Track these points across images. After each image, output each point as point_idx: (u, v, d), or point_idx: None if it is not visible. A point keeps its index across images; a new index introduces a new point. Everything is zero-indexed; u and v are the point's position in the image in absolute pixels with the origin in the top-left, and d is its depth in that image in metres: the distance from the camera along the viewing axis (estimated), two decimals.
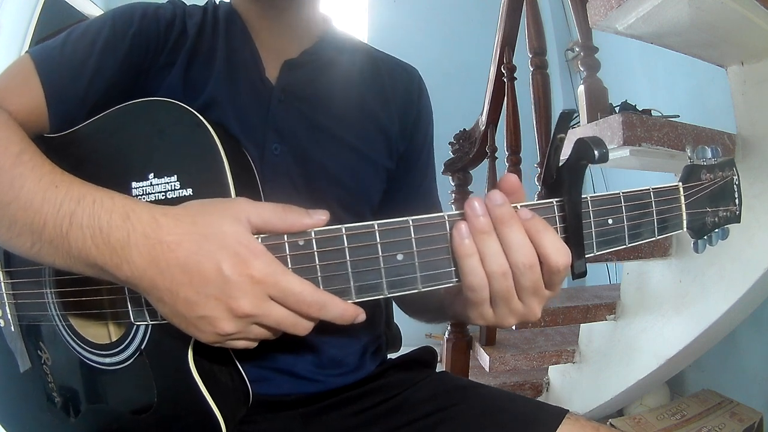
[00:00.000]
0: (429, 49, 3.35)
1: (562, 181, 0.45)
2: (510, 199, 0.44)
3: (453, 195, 1.87)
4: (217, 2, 0.71)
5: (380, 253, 0.43)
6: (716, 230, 0.53)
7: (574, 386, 1.73)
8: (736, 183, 0.54)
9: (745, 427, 1.48)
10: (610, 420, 1.61)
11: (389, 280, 0.44)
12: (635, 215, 0.48)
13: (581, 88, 1.38)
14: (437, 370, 0.75)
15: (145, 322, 0.50)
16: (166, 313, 0.43)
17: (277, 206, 0.44)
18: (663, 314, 1.43)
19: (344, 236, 0.43)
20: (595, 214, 0.46)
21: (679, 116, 1.32)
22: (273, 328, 0.44)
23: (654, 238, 0.49)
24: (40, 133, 0.57)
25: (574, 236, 0.44)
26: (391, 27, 3.51)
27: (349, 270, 0.43)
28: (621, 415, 1.70)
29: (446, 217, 0.44)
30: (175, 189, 0.49)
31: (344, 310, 0.43)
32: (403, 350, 0.81)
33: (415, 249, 0.43)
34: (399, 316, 0.83)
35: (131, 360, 0.53)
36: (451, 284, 0.45)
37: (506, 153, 1.65)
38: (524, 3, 1.60)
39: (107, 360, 0.55)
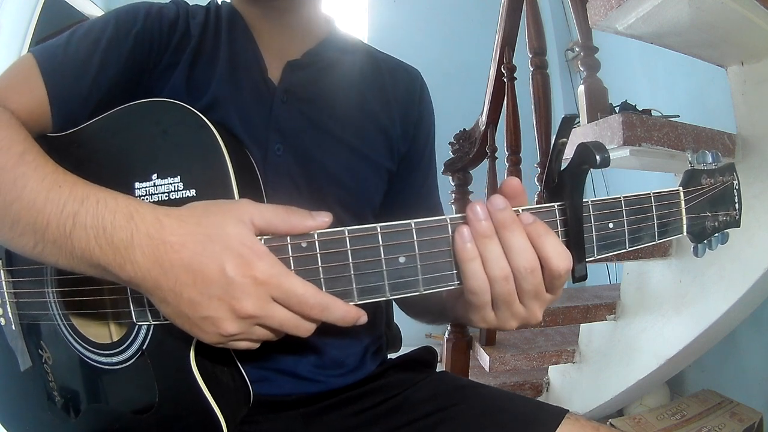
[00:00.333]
0: (429, 49, 3.35)
1: (563, 185, 0.45)
2: (512, 202, 0.44)
3: (453, 195, 1.88)
4: (220, 2, 0.71)
5: (382, 256, 0.43)
6: (716, 234, 0.53)
7: (574, 386, 1.73)
8: (737, 188, 0.54)
9: (745, 427, 1.48)
10: (610, 420, 1.62)
11: (391, 283, 0.44)
12: (636, 219, 0.48)
13: (581, 88, 1.38)
14: (437, 370, 0.75)
15: (147, 322, 0.50)
16: (169, 313, 0.43)
17: (280, 208, 0.44)
18: (663, 314, 1.43)
19: (347, 238, 0.43)
20: (596, 218, 0.46)
21: (679, 116, 1.33)
22: (275, 330, 0.44)
23: (654, 242, 0.49)
24: (43, 133, 0.57)
25: (575, 240, 0.45)
26: (391, 27, 3.51)
27: (352, 272, 0.44)
28: (621, 415, 1.70)
29: (448, 220, 0.44)
30: (178, 189, 0.49)
31: (346, 312, 0.43)
32: (404, 350, 0.81)
33: (417, 251, 0.44)
34: (399, 317, 0.83)
35: (133, 360, 0.53)
36: (452, 287, 0.45)
37: (506, 153, 1.65)
38: (524, 3, 1.60)
39: (108, 360, 0.55)
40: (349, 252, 0.43)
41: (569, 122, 0.44)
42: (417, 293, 0.44)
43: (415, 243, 0.43)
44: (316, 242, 0.44)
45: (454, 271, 0.44)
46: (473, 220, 0.42)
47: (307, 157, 0.66)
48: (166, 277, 0.41)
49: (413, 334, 0.89)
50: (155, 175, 0.50)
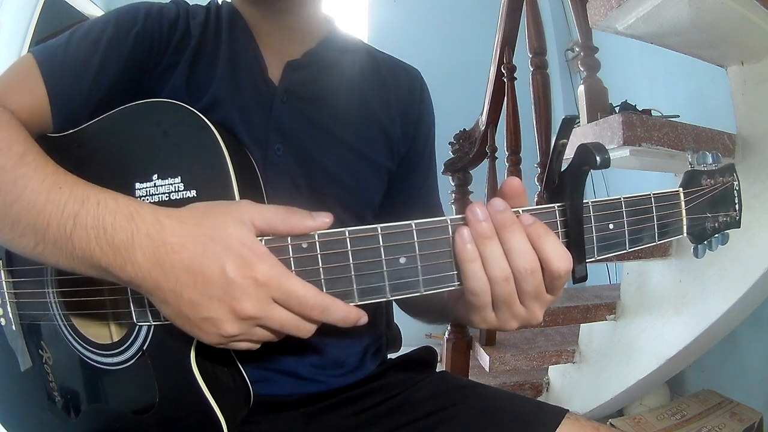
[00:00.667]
0: (429, 49, 3.35)
1: (564, 186, 0.45)
2: (512, 202, 0.44)
3: (453, 195, 1.88)
4: (220, 2, 0.71)
5: (383, 257, 0.43)
6: (716, 235, 0.53)
7: (574, 386, 1.73)
8: (737, 188, 0.54)
9: (745, 427, 1.48)
10: (610, 420, 1.62)
11: (392, 283, 0.44)
12: (636, 220, 0.48)
13: (581, 88, 1.38)
14: (437, 370, 0.75)
15: (148, 323, 0.50)
16: (169, 314, 0.44)
17: (281, 208, 0.44)
18: (663, 314, 1.43)
19: (347, 239, 0.43)
20: (596, 219, 0.46)
21: (679, 116, 1.33)
22: (276, 331, 0.44)
23: (654, 243, 0.49)
24: (43, 133, 0.57)
25: (575, 241, 0.45)
26: (391, 27, 3.51)
27: (352, 273, 0.44)
28: (621, 415, 1.70)
29: (449, 221, 0.44)
30: (178, 190, 0.49)
31: (347, 313, 0.43)
32: (404, 350, 0.81)
33: (417, 252, 0.44)
34: (399, 317, 0.83)
35: (133, 360, 0.53)
36: (453, 287, 0.45)
37: (506, 153, 1.65)
38: (524, 3, 1.60)
39: (109, 360, 0.55)
40: (350, 253, 0.43)
41: (569, 123, 0.45)
42: (417, 294, 0.44)
43: (416, 244, 0.43)
44: (317, 243, 0.44)
45: (455, 272, 0.44)
46: (473, 221, 0.42)
47: (307, 156, 0.66)
48: (167, 278, 0.41)
49: (413, 334, 0.89)
50: (156, 175, 0.50)
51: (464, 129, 1.95)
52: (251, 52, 0.67)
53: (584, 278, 0.46)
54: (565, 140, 0.45)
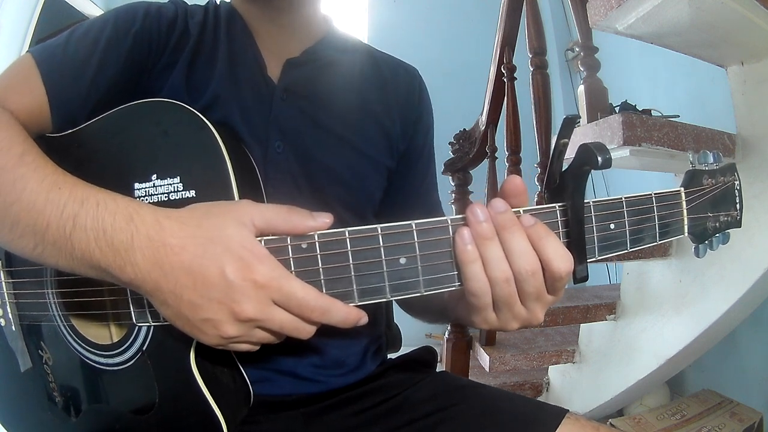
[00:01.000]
0: (429, 49, 3.34)
1: (565, 186, 0.45)
2: (514, 200, 0.44)
3: (453, 195, 1.88)
4: (218, 2, 0.71)
5: (383, 257, 0.43)
6: (717, 235, 0.53)
7: (574, 386, 1.73)
8: (738, 188, 0.54)
9: (745, 427, 1.48)
10: (610, 420, 1.62)
11: (392, 284, 0.44)
12: (637, 220, 0.48)
13: (581, 88, 1.38)
14: (437, 370, 0.75)
15: (147, 323, 0.50)
16: (169, 315, 0.43)
17: (281, 208, 0.44)
18: (663, 314, 1.43)
19: (347, 239, 0.43)
20: (597, 219, 0.46)
21: (679, 116, 1.32)
22: (276, 332, 0.44)
23: (655, 243, 0.49)
24: (42, 133, 0.57)
25: (576, 241, 0.45)
26: (391, 27, 3.51)
27: (352, 273, 0.44)
28: (621, 415, 1.70)
29: (449, 222, 0.44)
30: (178, 190, 0.49)
31: (347, 314, 0.43)
32: (404, 350, 0.81)
33: (417, 253, 0.44)
34: (399, 316, 0.83)
35: (133, 361, 0.53)
36: (453, 288, 0.45)
37: (506, 153, 1.65)
38: (524, 3, 1.60)
39: (109, 360, 0.55)
40: (350, 253, 0.43)
41: (570, 123, 0.44)
42: (418, 294, 0.44)
43: (416, 244, 0.43)
44: (317, 243, 0.44)
45: (455, 273, 0.44)
46: (473, 222, 0.42)
47: (307, 154, 0.66)
48: (166, 279, 0.41)
49: (413, 334, 0.89)
50: (155, 175, 0.50)
51: (464, 129, 1.95)
52: (250, 51, 0.67)
53: (585, 278, 0.46)
54: (566, 140, 0.45)
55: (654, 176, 1.45)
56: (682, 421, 1.53)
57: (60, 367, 0.60)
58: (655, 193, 0.49)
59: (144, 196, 0.50)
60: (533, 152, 1.53)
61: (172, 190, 0.49)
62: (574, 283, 0.46)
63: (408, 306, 0.77)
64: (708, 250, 0.53)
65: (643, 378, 1.49)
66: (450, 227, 0.44)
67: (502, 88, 1.70)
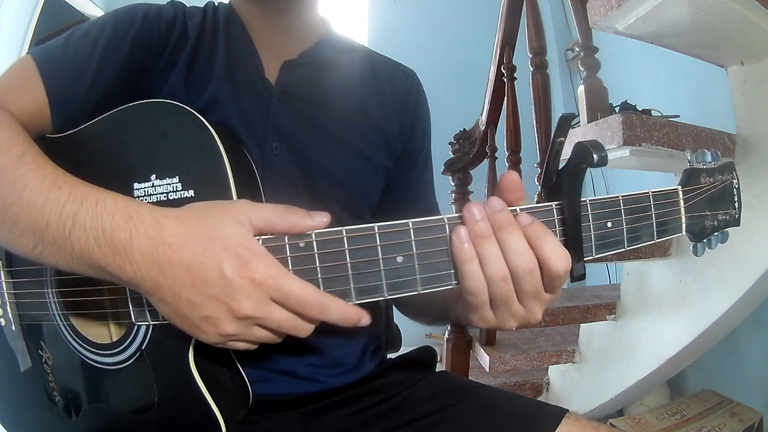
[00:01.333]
0: (429, 49, 3.35)
1: (561, 185, 0.45)
2: (511, 196, 0.44)
3: (453, 195, 1.88)
4: (216, 4, 0.72)
5: (380, 255, 0.43)
6: (716, 233, 0.53)
7: (574, 386, 1.73)
8: (736, 186, 0.54)
9: (745, 427, 1.48)
10: (610, 420, 1.62)
11: (389, 282, 0.44)
12: (634, 218, 0.48)
13: (581, 88, 1.38)
14: (437, 370, 0.75)
15: (147, 322, 0.50)
16: (168, 313, 0.44)
17: (279, 207, 0.44)
18: (663, 314, 1.43)
19: (345, 238, 0.43)
20: (594, 218, 0.46)
21: (679, 116, 1.32)
22: (274, 331, 0.44)
23: (653, 241, 0.49)
24: (42, 134, 0.57)
25: (573, 240, 0.45)
26: (391, 27, 3.51)
27: (350, 272, 0.44)
28: (621, 415, 1.70)
29: (446, 220, 0.44)
30: (176, 190, 0.49)
31: (345, 312, 0.43)
32: (403, 350, 0.81)
33: (414, 251, 0.44)
34: (399, 317, 0.83)
35: (132, 360, 0.53)
36: (450, 286, 0.45)
37: (506, 153, 1.65)
38: (524, 3, 1.60)
39: (108, 360, 0.55)
40: (347, 252, 0.43)
41: (567, 121, 0.44)
42: (415, 293, 0.44)
43: (413, 242, 0.43)
44: (314, 242, 0.44)
45: (452, 271, 0.44)
46: (470, 221, 0.42)
47: (305, 155, 0.66)
48: (165, 277, 0.41)
49: (413, 334, 0.89)
50: (154, 175, 0.50)
51: (464, 129, 1.95)
52: (248, 52, 0.67)
53: (582, 277, 0.46)
54: (563, 138, 0.45)
55: (654, 176, 1.45)
56: (682, 421, 1.53)
57: (60, 367, 0.60)
58: (652, 192, 0.48)
59: (143, 196, 0.50)
60: (533, 152, 1.53)
61: (171, 190, 0.50)
62: (572, 282, 0.46)
63: (406, 308, 0.77)
64: (707, 248, 0.53)
65: (643, 378, 1.49)
66: (447, 226, 0.44)
67: (502, 88, 1.70)
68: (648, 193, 0.48)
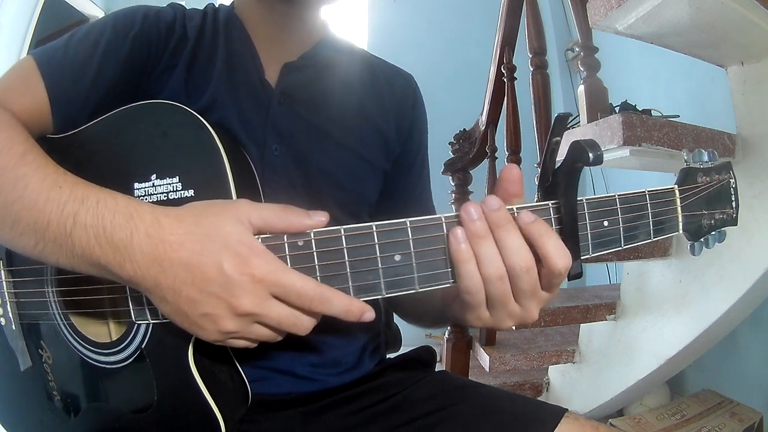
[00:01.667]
0: (429, 50, 3.36)
1: (558, 184, 0.45)
2: (511, 188, 0.45)
3: (453, 195, 1.88)
4: (217, 6, 0.72)
5: (378, 254, 0.44)
6: (713, 233, 0.53)
7: (574, 386, 1.73)
8: (733, 186, 0.54)
9: (745, 427, 1.48)
10: (610, 420, 1.62)
11: (387, 281, 0.44)
12: (631, 217, 0.48)
13: (581, 88, 1.38)
14: (437, 370, 0.75)
15: (146, 321, 0.50)
16: (168, 311, 0.44)
17: (278, 207, 0.44)
18: (663, 314, 1.43)
19: (343, 237, 0.44)
20: (591, 216, 0.46)
21: (679, 116, 1.32)
22: (274, 328, 0.44)
23: (650, 240, 0.49)
24: (44, 134, 0.57)
25: (570, 238, 0.45)
26: (391, 27, 3.52)
27: (348, 270, 0.44)
28: (621, 415, 1.70)
29: (443, 219, 0.44)
30: (177, 190, 0.50)
31: (348, 304, 0.43)
32: (403, 350, 0.81)
33: (412, 250, 0.44)
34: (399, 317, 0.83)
35: (132, 359, 0.53)
36: (448, 285, 0.45)
37: (506, 153, 1.65)
38: (524, 3, 1.60)
39: (108, 359, 0.55)
40: (345, 250, 0.44)
41: (563, 121, 0.45)
42: (413, 291, 0.45)
43: (411, 241, 0.44)
44: (313, 241, 0.44)
45: (450, 269, 0.44)
46: (467, 220, 0.43)
47: (304, 157, 0.66)
48: (165, 276, 0.42)
49: (413, 334, 0.89)
50: (154, 175, 0.50)
51: (464, 129, 1.95)
52: (248, 54, 0.68)
53: (579, 275, 0.46)
54: (559, 138, 0.45)
55: (654, 176, 1.45)
56: (682, 421, 1.53)
57: (60, 366, 0.60)
58: (648, 191, 0.49)
59: (143, 196, 0.50)
60: (533, 152, 1.53)
61: (171, 189, 0.50)
62: (569, 280, 0.46)
63: (404, 312, 0.77)
64: (704, 247, 0.53)
65: (643, 378, 1.49)
66: (444, 225, 0.44)
67: (502, 88, 1.71)
68: (644, 192, 0.49)
